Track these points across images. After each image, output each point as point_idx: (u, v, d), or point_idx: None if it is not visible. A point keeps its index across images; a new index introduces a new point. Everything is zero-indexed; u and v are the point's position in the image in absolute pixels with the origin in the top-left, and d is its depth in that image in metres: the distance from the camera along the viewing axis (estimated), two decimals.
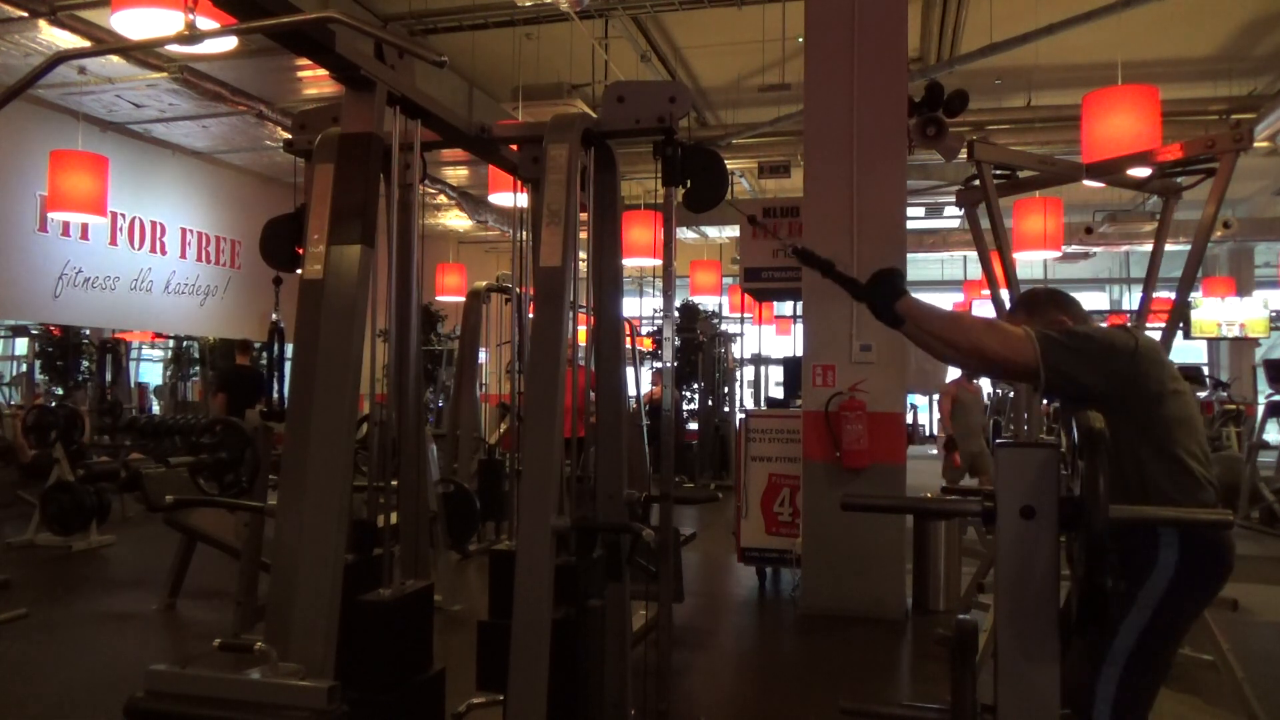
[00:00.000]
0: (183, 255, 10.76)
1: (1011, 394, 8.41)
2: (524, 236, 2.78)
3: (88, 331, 10.60)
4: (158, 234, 10.38)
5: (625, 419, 2.69)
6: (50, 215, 8.68)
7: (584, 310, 2.72)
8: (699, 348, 12.39)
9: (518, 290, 2.96)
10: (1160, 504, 2.14)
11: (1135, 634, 2.10)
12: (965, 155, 4.16)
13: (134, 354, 12.23)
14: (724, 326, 13.80)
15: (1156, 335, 3.25)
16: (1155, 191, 4.50)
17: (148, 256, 10.26)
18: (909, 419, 14.69)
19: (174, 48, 7.02)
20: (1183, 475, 2.21)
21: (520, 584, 2.10)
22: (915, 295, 2.32)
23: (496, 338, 8.71)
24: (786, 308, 11.32)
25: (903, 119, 5.11)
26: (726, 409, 12.51)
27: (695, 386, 12.57)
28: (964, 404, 8.54)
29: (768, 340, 12.80)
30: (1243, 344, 14.85)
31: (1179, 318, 4.20)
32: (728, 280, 13.74)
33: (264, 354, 10.36)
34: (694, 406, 12.73)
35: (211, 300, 11.18)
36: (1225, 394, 11.20)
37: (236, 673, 1.59)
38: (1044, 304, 2.53)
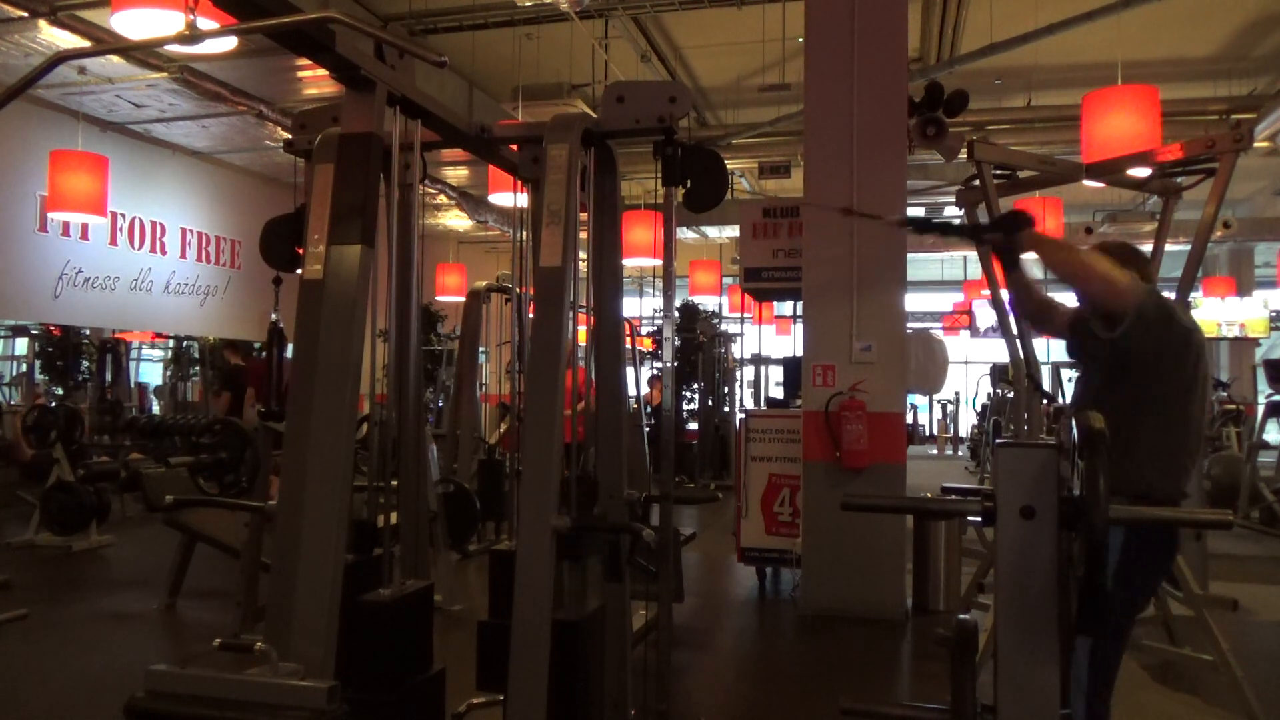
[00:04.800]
0: (183, 255, 10.76)
1: (1011, 394, 8.40)
2: (524, 236, 2.78)
3: (88, 331, 10.58)
4: (158, 234, 10.37)
5: (625, 419, 2.69)
6: (50, 215, 8.68)
7: (584, 310, 2.72)
8: (699, 348, 12.38)
9: (518, 290, 2.96)
10: (1136, 483, 2.32)
11: None
12: (965, 155, 4.17)
13: (134, 354, 12.22)
14: (724, 326, 13.79)
15: None
16: (1155, 191, 4.50)
17: (148, 256, 10.25)
18: (909, 419, 14.69)
19: (174, 48, 7.02)
20: (1175, 471, 2.33)
21: (520, 584, 2.10)
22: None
23: (496, 338, 8.72)
24: (786, 308, 11.31)
25: (903, 119, 5.11)
26: (726, 409, 12.50)
27: (695, 386, 12.56)
28: None
29: (768, 340, 12.79)
30: (1243, 344, 14.85)
31: None
32: (727, 280, 13.74)
33: (264, 354, 10.33)
34: (694, 406, 12.73)
35: (211, 300, 11.18)
36: (1225, 394, 11.18)
37: (236, 673, 1.59)
38: (1120, 258, 2.60)
